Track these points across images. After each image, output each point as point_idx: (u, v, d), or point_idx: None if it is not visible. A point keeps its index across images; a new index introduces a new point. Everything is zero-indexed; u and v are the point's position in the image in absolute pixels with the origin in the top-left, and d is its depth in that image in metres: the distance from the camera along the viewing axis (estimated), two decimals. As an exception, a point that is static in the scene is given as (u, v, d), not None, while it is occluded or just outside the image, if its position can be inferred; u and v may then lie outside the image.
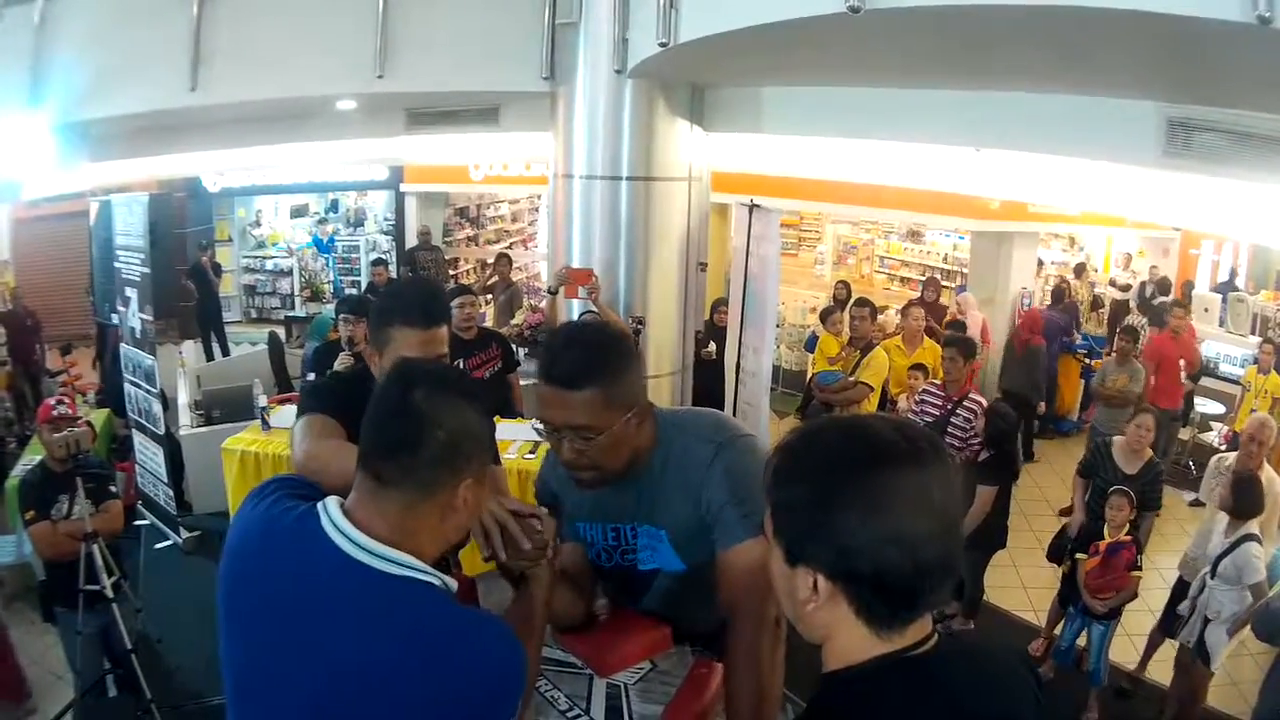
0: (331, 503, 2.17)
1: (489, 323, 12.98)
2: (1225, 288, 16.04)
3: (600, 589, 3.20)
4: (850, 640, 1.64)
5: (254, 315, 21.56)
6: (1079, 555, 7.36)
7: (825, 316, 11.21)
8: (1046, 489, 11.95)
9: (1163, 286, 16.57)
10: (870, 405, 9.63)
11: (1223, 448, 11.19)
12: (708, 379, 10.84)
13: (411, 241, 19.16)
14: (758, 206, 10.04)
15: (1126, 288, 17.21)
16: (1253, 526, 6.88)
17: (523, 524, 2.48)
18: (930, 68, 7.66)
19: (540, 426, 2.83)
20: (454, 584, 2.20)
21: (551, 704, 2.68)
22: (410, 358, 2.81)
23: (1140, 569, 7.25)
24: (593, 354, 2.62)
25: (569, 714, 2.64)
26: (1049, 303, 15.47)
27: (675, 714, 2.57)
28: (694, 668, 2.79)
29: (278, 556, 2.19)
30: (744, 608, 2.45)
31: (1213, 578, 6.93)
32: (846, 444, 1.66)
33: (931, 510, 1.58)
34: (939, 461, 1.64)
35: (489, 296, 14.70)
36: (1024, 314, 14.39)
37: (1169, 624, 7.46)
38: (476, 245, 22.30)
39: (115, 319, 10.94)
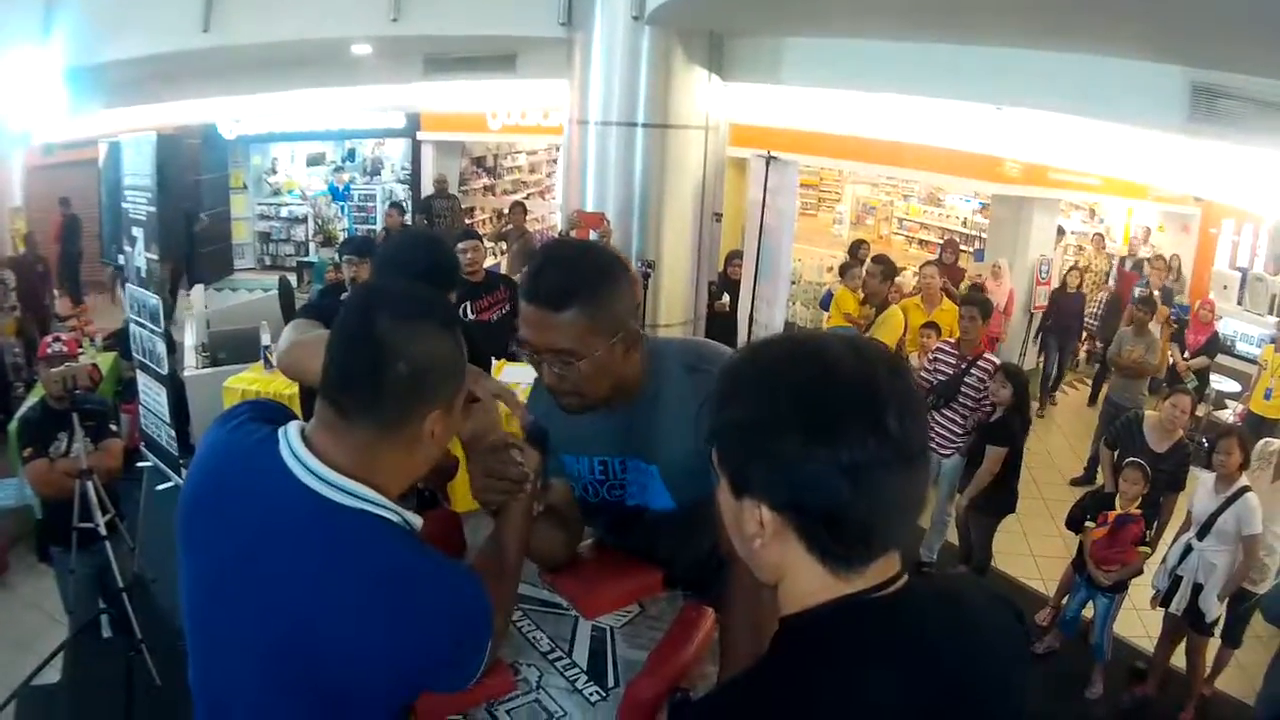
0: (293, 429, 2.06)
1: (504, 270, 12.87)
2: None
3: (586, 527, 3.11)
4: (806, 580, 1.49)
5: (267, 262, 21.63)
6: (1088, 524, 7.26)
7: (844, 271, 11.16)
8: (1058, 457, 11.93)
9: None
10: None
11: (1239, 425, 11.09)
12: (720, 331, 10.80)
13: (428, 190, 19.12)
14: (775, 158, 9.98)
15: (1143, 261, 17.02)
16: (1245, 480, 6.87)
17: (500, 455, 2.39)
18: (952, 21, 7.56)
19: (520, 349, 2.62)
20: (417, 521, 2.08)
21: (533, 645, 2.59)
22: (374, 282, 2.73)
23: (1149, 545, 7.19)
24: (576, 273, 2.45)
25: (550, 655, 2.55)
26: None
27: (660, 659, 2.44)
28: (683, 611, 2.67)
29: (234, 481, 2.08)
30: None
31: (1200, 539, 6.91)
32: (793, 360, 1.50)
33: (887, 438, 1.39)
34: (898, 384, 1.46)
35: (504, 244, 14.66)
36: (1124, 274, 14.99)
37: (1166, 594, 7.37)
38: (493, 195, 22.43)
39: (121, 260, 10.87)
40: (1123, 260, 15.68)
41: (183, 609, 2.16)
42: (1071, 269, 14.42)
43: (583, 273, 2.45)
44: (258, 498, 2.01)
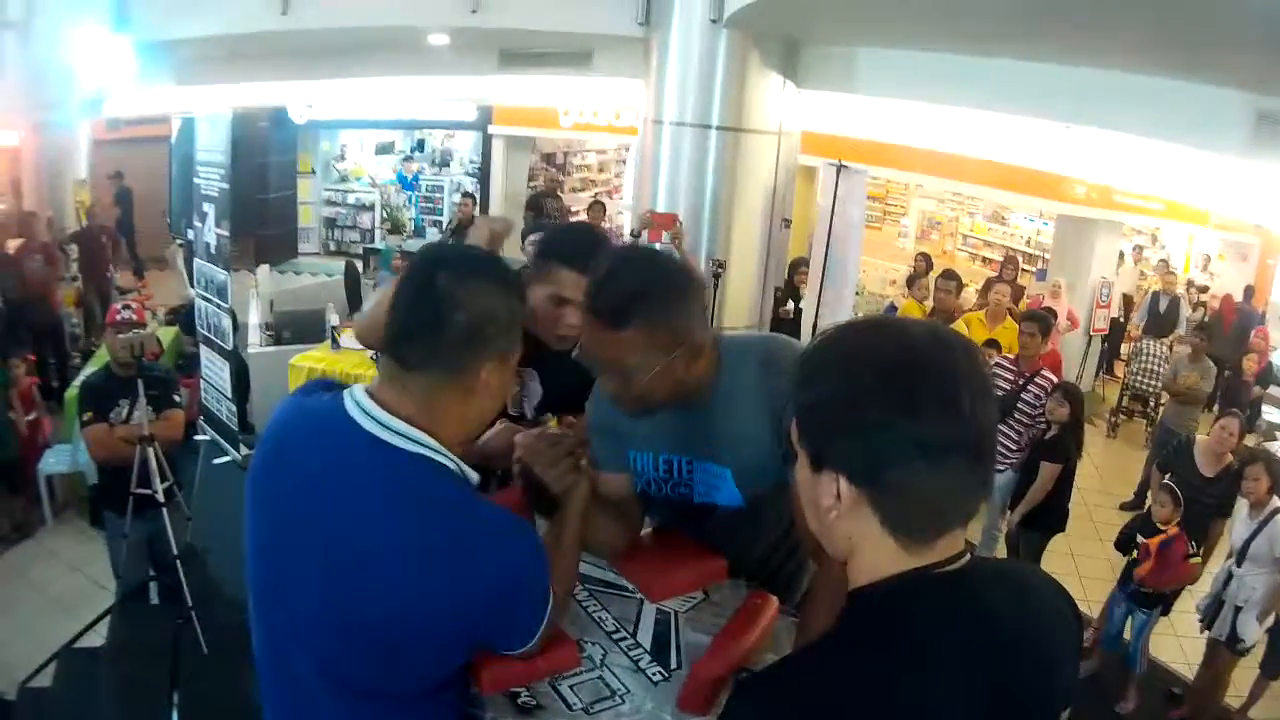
0: (357, 387, 2.17)
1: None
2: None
3: (651, 517, 3.12)
4: (877, 554, 1.54)
5: (331, 248, 21.77)
6: (1134, 552, 7.24)
7: (911, 283, 11.30)
8: (1109, 482, 11.83)
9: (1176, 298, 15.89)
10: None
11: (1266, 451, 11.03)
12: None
13: (499, 183, 19.48)
14: (845, 167, 9.98)
15: (1205, 289, 16.95)
16: (1277, 503, 6.86)
17: (551, 438, 2.51)
18: (1025, 36, 7.56)
19: (582, 357, 2.60)
20: (474, 476, 2.18)
21: (598, 624, 2.61)
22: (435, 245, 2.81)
23: (1199, 556, 7.20)
24: (638, 288, 2.43)
25: (614, 635, 2.57)
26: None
27: (723, 645, 2.45)
28: (748, 599, 2.68)
29: (301, 436, 2.20)
30: None
31: (1239, 565, 6.91)
32: (875, 340, 1.56)
33: (962, 418, 1.45)
34: (974, 368, 1.52)
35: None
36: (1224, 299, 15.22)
37: (1209, 617, 7.34)
38: (562, 192, 22.26)
39: (190, 234, 10.97)
40: (1101, 289, 15.51)
41: (247, 574, 2.24)
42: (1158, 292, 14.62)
43: (645, 288, 2.44)
44: (323, 447, 2.13)
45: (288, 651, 2.17)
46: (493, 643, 2.20)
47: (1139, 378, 13.57)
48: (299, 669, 2.15)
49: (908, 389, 1.46)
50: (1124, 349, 16.19)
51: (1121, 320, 16.31)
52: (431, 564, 2.01)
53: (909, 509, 1.50)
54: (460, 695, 2.31)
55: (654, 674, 2.41)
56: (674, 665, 2.45)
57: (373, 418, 2.08)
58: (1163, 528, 7.02)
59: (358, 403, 2.11)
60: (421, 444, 2.07)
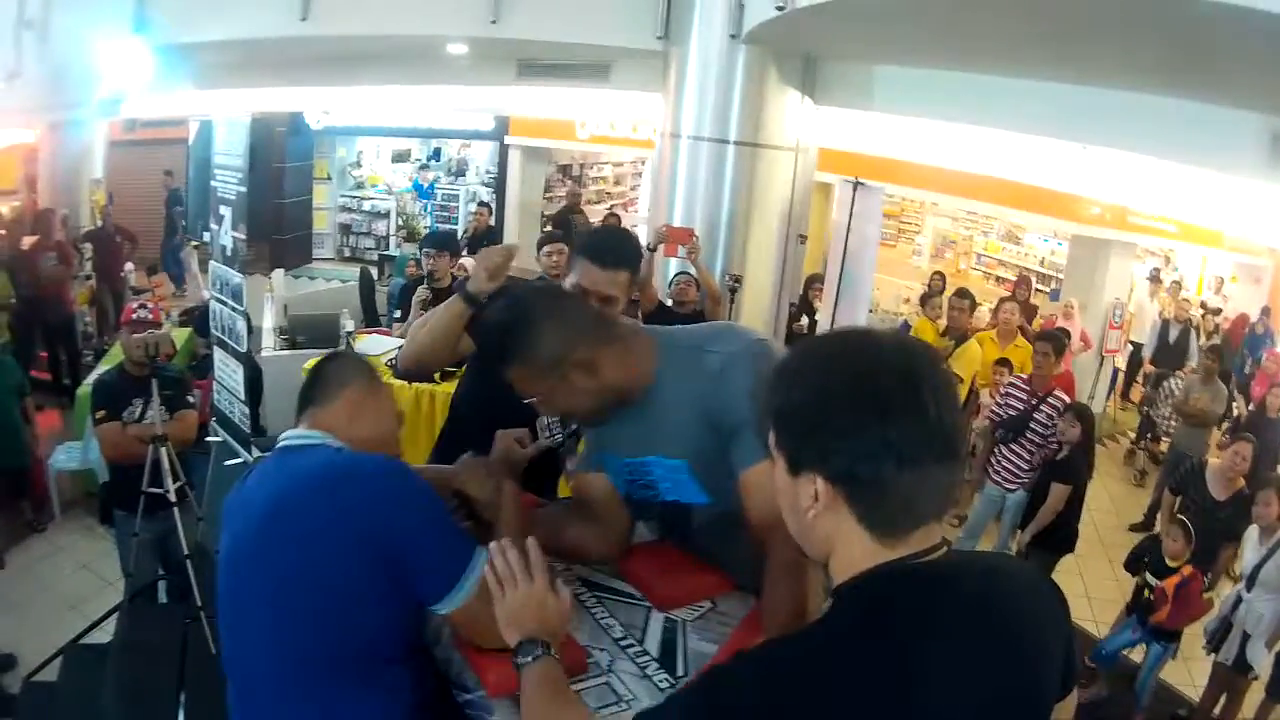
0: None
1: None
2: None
3: (652, 526, 3.23)
4: (854, 549, 1.64)
5: (346, 254, 21.80)
6: (1152, 582, 7.22)
7: (925, 301, 11.31)
8: (1119, 502, 11.84)
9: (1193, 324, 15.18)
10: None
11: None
12: (799, 350, 10.70)
13: (514, 194, 19.72)
14: (861, 184, 9.98)
15: (1217, 311, 16.86)
16: None
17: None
18: (1041, 56, 7.58)
19: None
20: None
21: (606, 631, 2.66)
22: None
23: (1212, 589, 7.28)
24: (501, 336, 2.67)
25: (622, 642, 2.61)
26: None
27: (730, 651, 2.47)
28: (755, 608, 2.72)
29: (255, 479, 2.56)
30: (779, 526, 2.25)
31: (1249, 589, 6.90)
32: (845, 349, 1.71)
33: (927, 419, 1.57)
34: (936, 373, 1.65)
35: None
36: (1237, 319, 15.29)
37: (1215, 640, 7.33)
38: (579, 205, 22.32)
39: (206, 237, 11.00)
40: (1113, 311, 15.44)
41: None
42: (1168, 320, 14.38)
43: (506, 335, 2.66)
44: (263, 478, 2.52)
45: (245, 645, 2.47)
46: (412, 567, 2.36)
47: (1169, 421, 12.67)
48: (257, 662, 2.44)
49: (877, 394, 1.57)
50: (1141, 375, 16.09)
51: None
52: (316, 518, 2.32)
53: (883, 505, 1.60)
54: (415, 687, 2.46)
55: (660, 681, 2.44)
56: (680, 673, 2.48)
57: (283, 439, 2.53)
58: (1173, 564, 7.01)
59: (292, 434, 2.57)
60: (313, 438, 2.51)
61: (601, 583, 2.88)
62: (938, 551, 1.63)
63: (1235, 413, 12.14)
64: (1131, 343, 15.74)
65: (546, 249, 7.85)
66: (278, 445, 2.54)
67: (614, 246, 3.62)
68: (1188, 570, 6.96)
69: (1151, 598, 7.11)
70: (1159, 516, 9.15)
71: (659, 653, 2.57)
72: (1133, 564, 7.49)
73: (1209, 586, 7.25)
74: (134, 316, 6.68)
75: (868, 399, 1.57)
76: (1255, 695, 7.14)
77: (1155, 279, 16.76)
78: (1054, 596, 1.82)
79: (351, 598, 2.30)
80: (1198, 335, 14.56)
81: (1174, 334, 14.19)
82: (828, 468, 1.60)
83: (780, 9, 7.37)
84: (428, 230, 20.54)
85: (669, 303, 8.71)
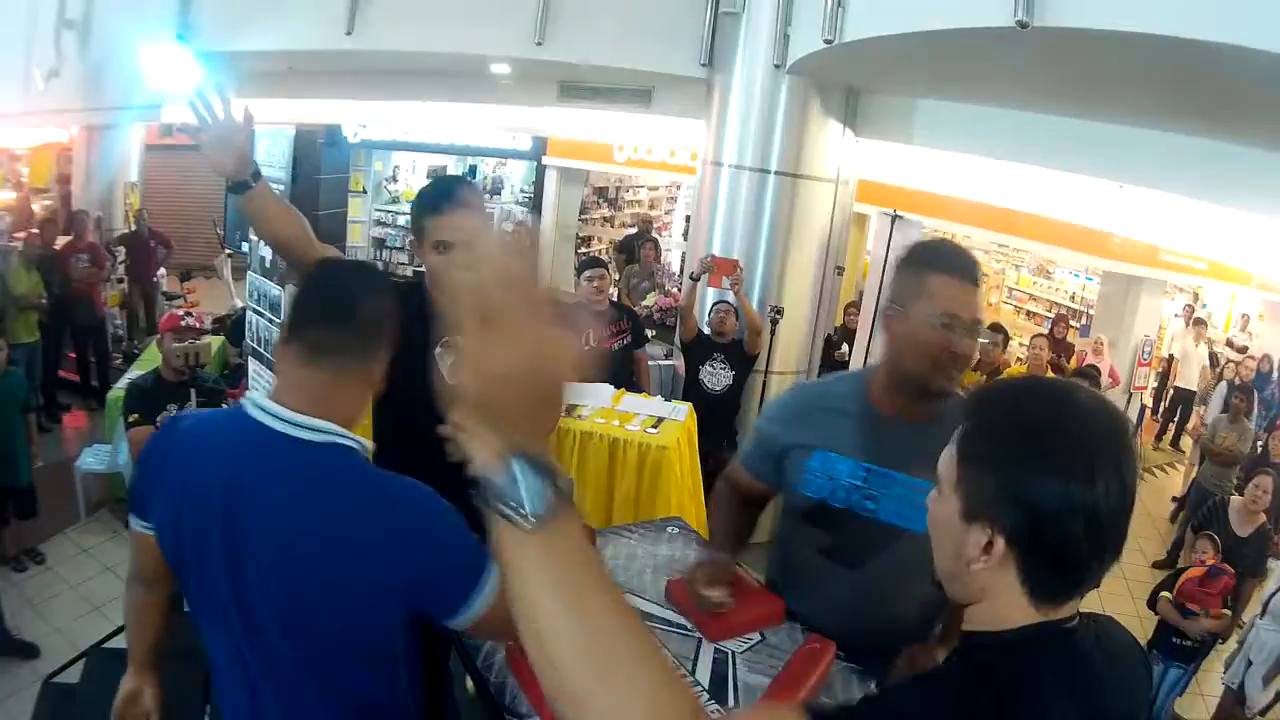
0: (255, 395, 2.37)
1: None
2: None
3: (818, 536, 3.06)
4: (1007, 605, 1.59)
5: (380, 268, 21.44)
6: (1164, 594, 7.30)
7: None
8: (1142, 539, 11.84)
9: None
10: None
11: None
12: (836, 379, 10.73)
13: (550, 215, 19.87)
14: (900, 217, 10.00)
15: (1244, 349, 16.90)
16: None
17: None
18: (1085, 95, 7.58)
19: None
20: (370, 445, 2.39)
21: (657, 661, 2.59)
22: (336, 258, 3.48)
23: (1232, 609, 7.22)
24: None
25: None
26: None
27: (781, 687, 2.50)
28: (806, 643, 2.72)
29: (209, 449, 2.39)
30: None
31: (1261, 616, 6.98)
32: (1054, 409, 1.61)
33: (1124, 488, 1.52)
34: (1129, 437, 1.60)
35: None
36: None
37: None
38: (612, 227, 22.55)
39: (245, 248, 11.03)
40: (1143, 348, 15.45)
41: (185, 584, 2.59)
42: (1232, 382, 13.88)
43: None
44: (239, 453, 2.33)
45: (249, 649, 2.42)
46: (431, 602, 2.33)
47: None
48: (261, 663, 2.42)
49: (1084, 456, 1.52)
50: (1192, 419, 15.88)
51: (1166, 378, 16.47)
52: (365, 524, 2.23)
53: (1056, 573, 1.56)
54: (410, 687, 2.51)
55: (712, 712, 2.44)
56: (731, 704, 2.50)
57: (281, 419, 2.29)
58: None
59: (263, 408, 2.32)
60: (327, 432, 2.30)
61: (652, 612, 2.87)
62: (1075, 620, 1.61)
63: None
64: (1177, 388, 15.94)
65: (588, 274, 7.81)
66: (284, 428, 2.28)
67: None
68: (1227, 567, 7.06)
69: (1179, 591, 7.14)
70: (1182, 554, 9.11)
71: (710, 684, 2.57)
72: (1155, 601, 7.48)
73: (1232, 620, 7.21)
74: (181, 324, 6.72)
75: (1076, 460, 1.52)
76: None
77: (1199, 322, 16.71)
78: (1145, 662, 1.84)
79: (371, 606, 2.29)
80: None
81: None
82: (1011, 528, 1.55)
83: (829, 42, 7.36)
84: (463, 247, 20.62)
85: (708, 331, 8.70)
